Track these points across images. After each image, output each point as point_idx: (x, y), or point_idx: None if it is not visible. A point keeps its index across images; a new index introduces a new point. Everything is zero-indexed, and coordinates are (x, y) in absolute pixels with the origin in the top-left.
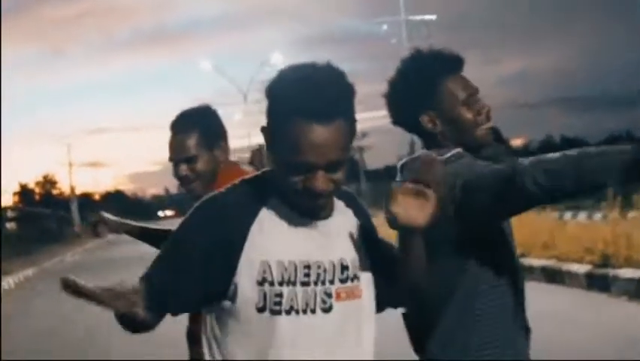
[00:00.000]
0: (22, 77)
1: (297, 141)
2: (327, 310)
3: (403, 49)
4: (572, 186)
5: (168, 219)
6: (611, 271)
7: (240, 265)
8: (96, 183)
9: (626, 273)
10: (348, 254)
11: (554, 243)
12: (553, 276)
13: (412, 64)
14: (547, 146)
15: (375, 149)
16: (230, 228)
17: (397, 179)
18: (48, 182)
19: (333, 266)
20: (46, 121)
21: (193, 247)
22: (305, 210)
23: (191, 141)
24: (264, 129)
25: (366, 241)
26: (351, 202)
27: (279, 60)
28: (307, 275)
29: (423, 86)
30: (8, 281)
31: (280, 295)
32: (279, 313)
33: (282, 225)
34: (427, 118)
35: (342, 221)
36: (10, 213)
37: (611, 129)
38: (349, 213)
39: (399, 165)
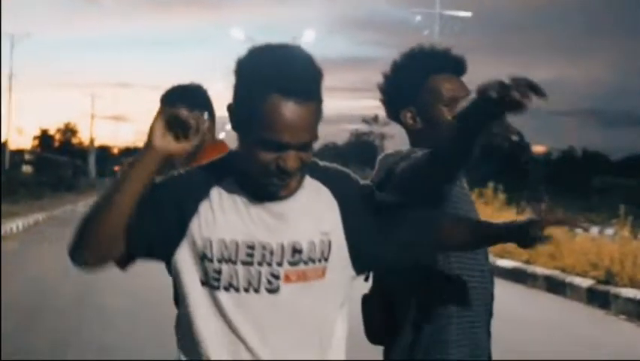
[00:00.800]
0: (53, 22)
1: (274, 118)
2: (273, 290)
3: (434, 42)
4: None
5: None
6: (613, 289)
7: (184, 240)
8: (116, 136)
9: (628, 293)
10: (305, 237)
11: (561, 254)
12: (555, 286)
13: (406, 59)
14: (568, 157)
15: (395, 138)
16: (181, 204)
17: (374, 172)
18: (69, 130)
19: (282, 248)
20: (73, 68)
21: (147, 211)
22: (266, 190)
23: None
24: (230, 107)
25: (353, 216)
26: (331, 179)
27: (311, 37)
28: (250, 255)
29: (409, 81)
30: (17, 224)
31: (219, 271)
32: (217, 288)
33: (231, 204)
34: (409, 114)
35: (309, 201)
36: (27, 157)
37: (635, 147)
38: (325, 192)
39: (377, 158)
